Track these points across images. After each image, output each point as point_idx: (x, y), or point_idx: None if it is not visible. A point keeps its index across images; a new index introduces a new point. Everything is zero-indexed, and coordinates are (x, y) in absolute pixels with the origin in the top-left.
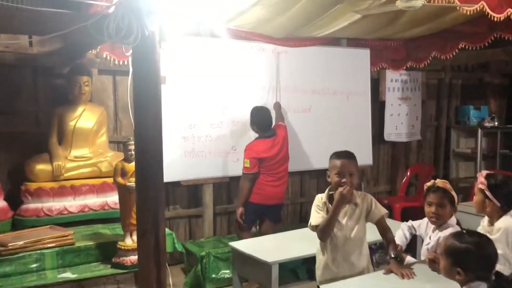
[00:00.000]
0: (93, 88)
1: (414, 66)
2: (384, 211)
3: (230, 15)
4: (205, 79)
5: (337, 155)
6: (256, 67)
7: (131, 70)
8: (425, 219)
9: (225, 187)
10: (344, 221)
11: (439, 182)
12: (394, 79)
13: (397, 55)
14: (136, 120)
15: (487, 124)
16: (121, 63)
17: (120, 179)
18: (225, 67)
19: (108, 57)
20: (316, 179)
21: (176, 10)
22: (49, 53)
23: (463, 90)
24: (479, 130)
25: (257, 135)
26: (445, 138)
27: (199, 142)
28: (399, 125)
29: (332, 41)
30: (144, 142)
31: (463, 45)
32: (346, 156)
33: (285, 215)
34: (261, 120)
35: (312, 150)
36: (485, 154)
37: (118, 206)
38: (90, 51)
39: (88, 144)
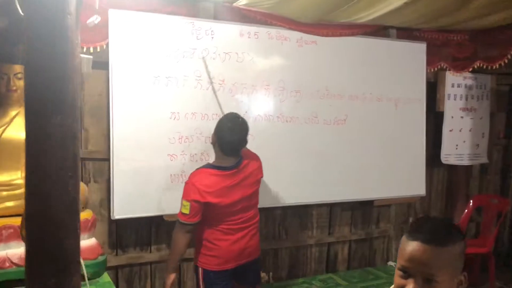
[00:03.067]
0: None
1: (484, 67)
2: None
3: None
4: (206, 79)
5: (413, 230)
6: (274, 62)
7: None
8: None
9: None
10: None
11: None
12: (456, 83)
13: (462, 52)
14: (28, 142)
15: None
16: (91, 49)
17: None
18: (232, 63)
19: None
20: (350, 212)
21: None
22: None
23: None
24: None
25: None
26: None
27: (191, 162)
28: (461, 143)
29: (378, 30)
30: (39, 180)
31: None
32: (429, 239)
33: (306, 261)
34: (229, 134)
35: (346, 175)
36: None
37: None
38: None
39: (21, 164)
